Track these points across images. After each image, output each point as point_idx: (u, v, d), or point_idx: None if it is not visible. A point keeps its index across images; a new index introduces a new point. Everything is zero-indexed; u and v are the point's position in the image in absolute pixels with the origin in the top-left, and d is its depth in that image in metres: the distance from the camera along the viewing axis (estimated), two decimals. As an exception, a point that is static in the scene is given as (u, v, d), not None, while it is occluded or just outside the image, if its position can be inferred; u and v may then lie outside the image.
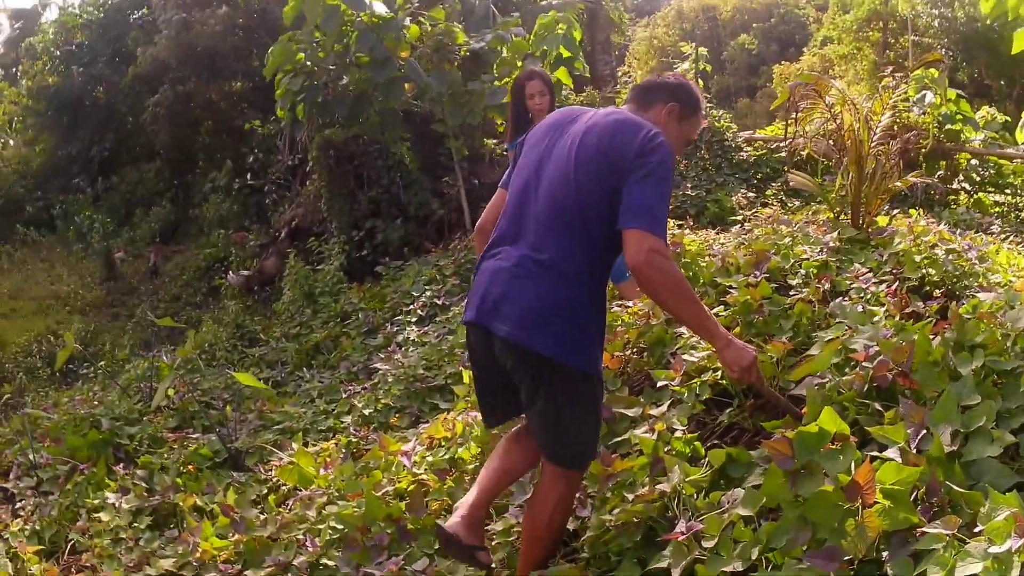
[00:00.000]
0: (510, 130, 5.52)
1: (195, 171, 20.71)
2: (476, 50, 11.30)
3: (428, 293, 8.36)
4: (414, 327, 7.67)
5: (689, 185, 11.36)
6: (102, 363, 11.37)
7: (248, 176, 17.33)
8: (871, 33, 35.06)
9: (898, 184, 5.28)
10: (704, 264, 4.82)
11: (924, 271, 4.18)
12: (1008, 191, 10.96)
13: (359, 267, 10.98)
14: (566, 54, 10.82)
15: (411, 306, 8.31)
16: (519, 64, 10.74)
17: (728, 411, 3.53)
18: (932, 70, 11.73)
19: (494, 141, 12.58)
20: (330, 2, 10.10)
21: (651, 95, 3.07)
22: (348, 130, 11.18)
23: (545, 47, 10.74)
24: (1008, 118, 12.76)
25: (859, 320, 3.50)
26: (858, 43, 35.47)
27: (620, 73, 16.95)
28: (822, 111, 5.26)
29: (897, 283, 4.09)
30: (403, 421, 5.68)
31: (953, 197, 10.87)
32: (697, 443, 3.29)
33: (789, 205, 10.40)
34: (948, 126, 11.30)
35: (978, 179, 11.07)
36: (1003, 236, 7.77)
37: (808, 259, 4.45)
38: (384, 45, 10.21)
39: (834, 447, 2.46)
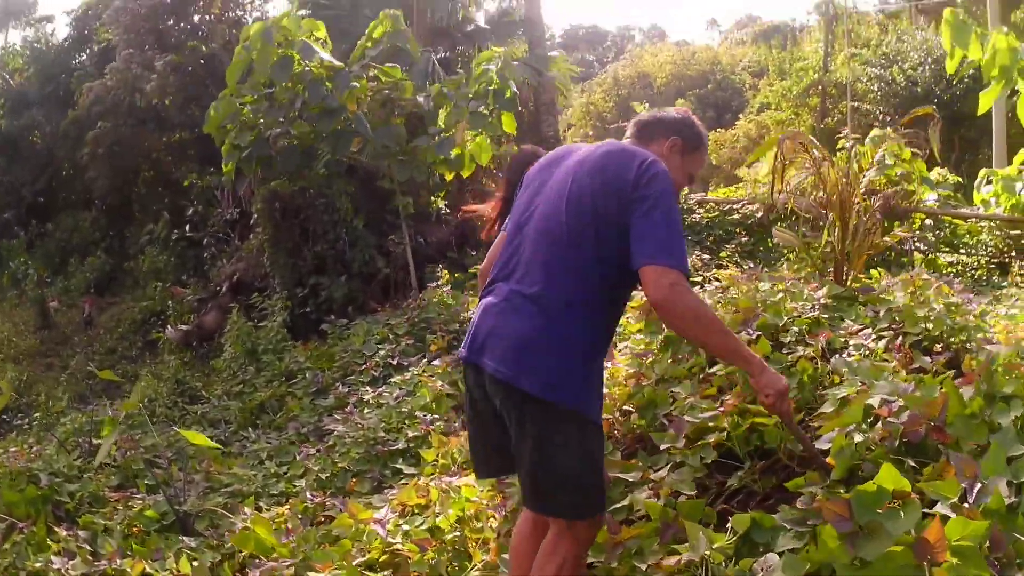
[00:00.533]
0: (499, 208, 4.94)
1: (131, 221, 20.21)
2: (421, 105, 11.16)
3: (381, 352, 8.05)
4: (368, 388, 7.35)
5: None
6: (37, 414, 10.83)
7: (187, 228, 16.91)
8: (810, 99, 36.01)
9: (886, 240, 5.19)
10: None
11: (923, 326, 4.04)
12: (962, 251, 11.03)
13: (303, 324, 10.63)
14: (507, 92, 10.60)
15: (363, 366, 8.00)
16: (464, 114, 10.59)
17: (738, 474, 3.31)
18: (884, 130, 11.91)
19: (441, 200, 12.44)
20: (281, 52, 9.90)
21: (652, 129, 2.98)
22: (294, 183, 10.90)
23: (485, 85, 10.57)
24: (960, 179, 13.00)
25: (872, 375, 3.33)
26: (796, 109, 36.40)
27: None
28: (807, 166, 5.15)
29: (900, 338, 3.94)
30: (363, 486, 5.35)
31: (906, 259, 10.95)
32: (708, 508, 3.08)
33: (744, 267, 10.35)
34: (904, 186, 11.44)
35: (933, 238, 11.16)
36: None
37: (800, 316, 4.29)
38: (335, 96, 10.00)
39: (894, 505, 2.28)
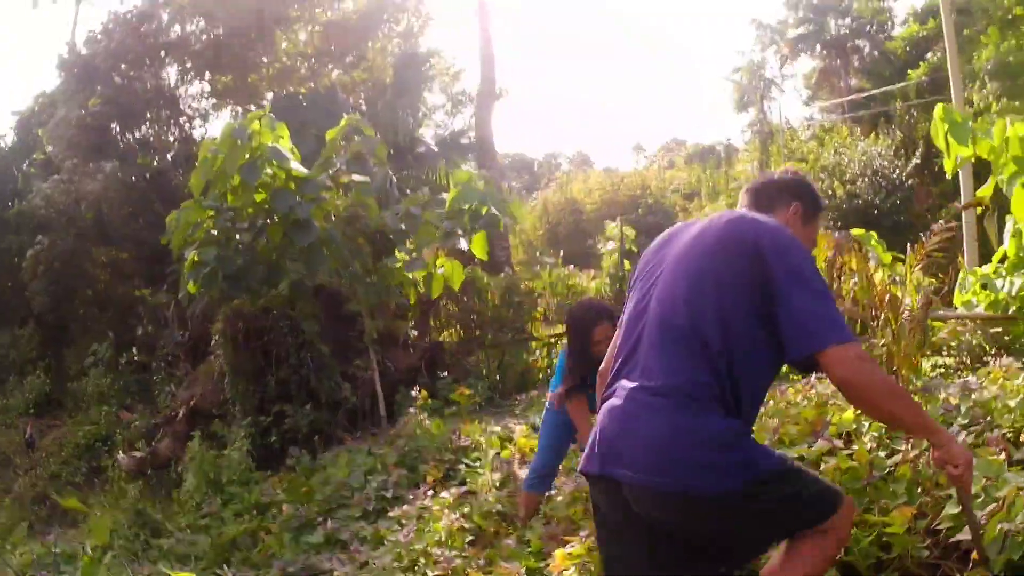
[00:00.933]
0: (570, 366, 5.31)
1: (71, 340, 19.54)
2: (388, 224, 11.04)
3: (373, 485, 7.73)
4: (363, 523, 7.04)
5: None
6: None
7: (134, 351, 16.39)
8: (745, 217, 36.85)
9: (943, 335, 5.30)
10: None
11: (1010, 416, 3.95)
12: (944, 352, 11.07)
13: (266, 455, 10.19)
14: (484, 210, 10.57)
15: (352, 499, 7.66)
16: (435, 235, 10.49)
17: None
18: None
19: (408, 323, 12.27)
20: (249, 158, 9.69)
21: (770, 195, 2.83)
22: (255, 304, 10.57)
23: (464, 204, 10.52)
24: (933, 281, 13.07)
25: (994, 471, 3.17)
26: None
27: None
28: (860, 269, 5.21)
29: (994, 431, 3.85)
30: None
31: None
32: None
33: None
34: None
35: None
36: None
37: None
38: (304, 205, 9.80)
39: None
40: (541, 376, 12.20)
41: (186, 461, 9.97)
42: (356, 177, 10.48)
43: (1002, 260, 10.36)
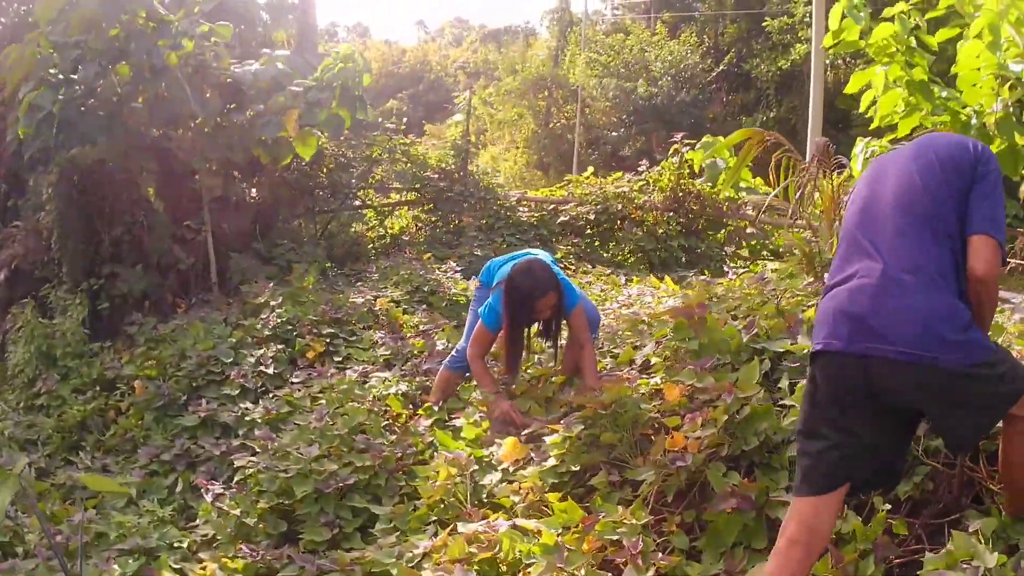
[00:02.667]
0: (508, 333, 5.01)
1: None
2: (240, 78, 9.88)
3: (251, 360, 6.87)
4: (249, 404, 6.23)
5: (476, 245, 10.66)
6: None
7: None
8: (537, 101, 36.73)
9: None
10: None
11: None
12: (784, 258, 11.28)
13: (95, 323, 9.05)
14: (358, 91, 9.69)
15: (223, 376, 6.82)
16: (298, 102, 9.48)
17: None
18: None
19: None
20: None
21: None
22: (91, 154, 9.19)
23: (337, 81, 9.53)
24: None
25: None
26: (519, 110, 37.01)
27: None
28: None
29: None
30: (317, 533, 4.38)
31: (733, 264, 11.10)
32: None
33: (583, 269, 10.07)
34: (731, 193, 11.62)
35: (758, 246, 11.39)
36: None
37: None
38: (161, 51, 8.57)
39: None
40: (371, 247, 11.51)
41: (10, 331, 8.66)
42: (221, 23, 9.23)
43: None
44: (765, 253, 11.33)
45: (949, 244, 2.67)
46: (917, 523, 3.10)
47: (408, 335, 7.20)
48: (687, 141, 11.87)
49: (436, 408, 5.44)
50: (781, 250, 11.08)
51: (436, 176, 11.65)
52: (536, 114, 36.71)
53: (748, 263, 11.07)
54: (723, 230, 11.55)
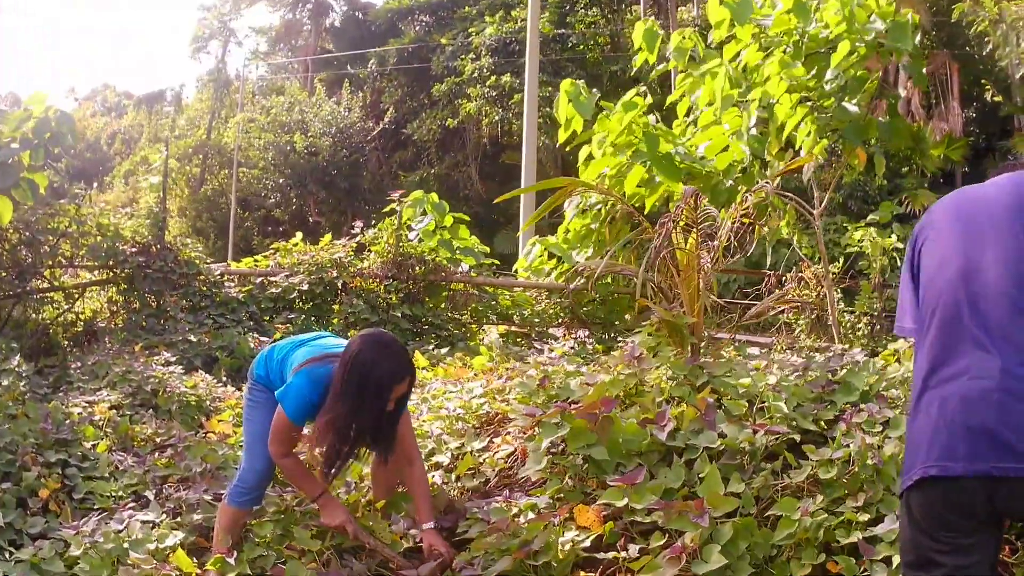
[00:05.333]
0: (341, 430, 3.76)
1: None
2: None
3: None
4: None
5: (187, 330, 9.30)
6: None
7: None
8: (191, 167, 34.96)
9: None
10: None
11: None
12: (516, 320, 10.90)
13: None
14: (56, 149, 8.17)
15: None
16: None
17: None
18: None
19: None
20: None
21: None
22: None
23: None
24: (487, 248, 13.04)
25: None
26: (175, 176, 35.03)
27: None
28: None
29: None
30: None
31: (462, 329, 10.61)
32: None
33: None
34: (445, 253, 11.18)
35: (484, 309, 10.91)
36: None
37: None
38: None
39: None
40: (63, 337, 9.77)
41: None
42: None
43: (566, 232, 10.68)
44: (491, 316, 10.93)
45: None
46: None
47: (146, 450, 5.86)
48: (403, 200, 11.21)
49: (231, 561, 3.82)
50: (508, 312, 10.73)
51: (133, 250, 10.05)
52: (189, 180, 35.04)
53: (471, 327, 10.68)
54: (444, 293, 10.89)
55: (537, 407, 4.10)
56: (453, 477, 4.29)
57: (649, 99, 8.74)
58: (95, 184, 37.27)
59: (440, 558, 3.42)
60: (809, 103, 7.56)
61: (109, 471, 5.43)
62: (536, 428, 3.82)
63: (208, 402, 7.19)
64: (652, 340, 4.44)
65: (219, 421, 6.47)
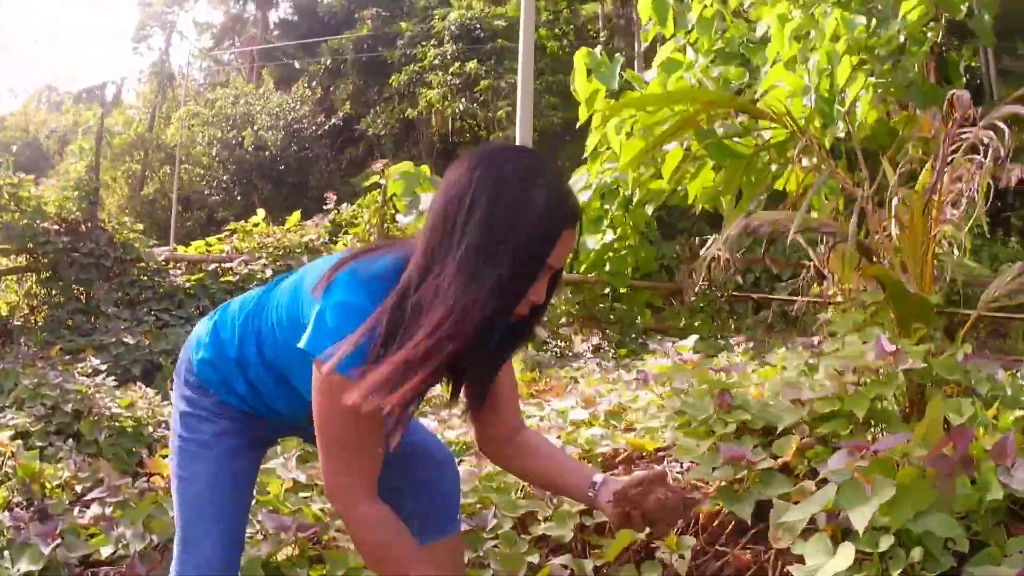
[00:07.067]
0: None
1: None
2: None
3: None
4: None
5: (122, 328, 7.67)
6: None
7: None
8: (132, 163, 33.24)
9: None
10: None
11: None
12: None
13: None
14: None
15: None
16: None
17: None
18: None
19: None
20: None
21: None
22: None
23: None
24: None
25: None
26: (112, 173, 33.29)
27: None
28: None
29: None
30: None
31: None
32: None
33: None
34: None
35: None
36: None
37: None
38: None
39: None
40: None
41: None
42: None
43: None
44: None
45: None
46: None
47: (60, 508, 3.82)
48: (385, 172, 9.71)
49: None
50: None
51: (57, 228, 8.36)
52: (129, 178, 33.30)
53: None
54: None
55: (734, 443, 2.51)
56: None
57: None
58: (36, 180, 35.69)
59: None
60: (866, 66, 6.86)
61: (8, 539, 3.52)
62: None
63: (150, 428, 5.25)
64: (847, 322, 2.91)
65: (164, 458, 4.16)
